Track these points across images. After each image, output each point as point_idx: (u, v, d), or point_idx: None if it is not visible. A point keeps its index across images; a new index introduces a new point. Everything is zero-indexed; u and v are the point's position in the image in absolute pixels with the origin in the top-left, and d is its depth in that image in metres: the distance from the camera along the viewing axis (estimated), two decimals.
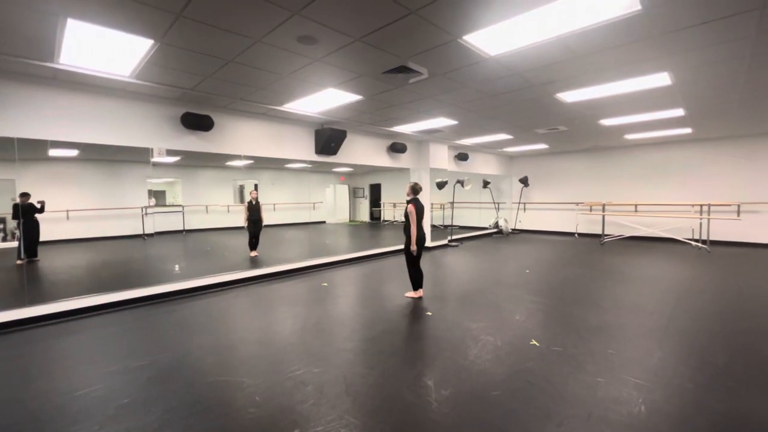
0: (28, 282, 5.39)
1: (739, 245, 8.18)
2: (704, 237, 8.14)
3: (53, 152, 8.49)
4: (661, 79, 4.11)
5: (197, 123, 4.82)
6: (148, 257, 8.05)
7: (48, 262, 7.08)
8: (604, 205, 9.64)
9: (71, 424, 2.12)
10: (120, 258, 7.62)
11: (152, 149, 4.65)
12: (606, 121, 6.42)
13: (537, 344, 3.13)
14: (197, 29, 2.85)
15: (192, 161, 11.11)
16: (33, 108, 3.78)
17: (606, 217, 9.56)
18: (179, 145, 4.82)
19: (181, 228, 11.96)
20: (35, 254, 6.80)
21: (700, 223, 8.27)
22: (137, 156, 8.87)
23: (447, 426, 2.07)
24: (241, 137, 5.51)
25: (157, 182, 12.27)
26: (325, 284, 5.42)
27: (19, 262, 6.42)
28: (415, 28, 2.87)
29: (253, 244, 7.57)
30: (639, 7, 2.58)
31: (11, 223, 7.74)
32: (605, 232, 9.55)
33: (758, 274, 5.63)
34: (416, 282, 4.59)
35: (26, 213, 6.05)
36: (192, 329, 3.65)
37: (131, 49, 3.20)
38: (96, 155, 9.59)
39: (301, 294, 4.96)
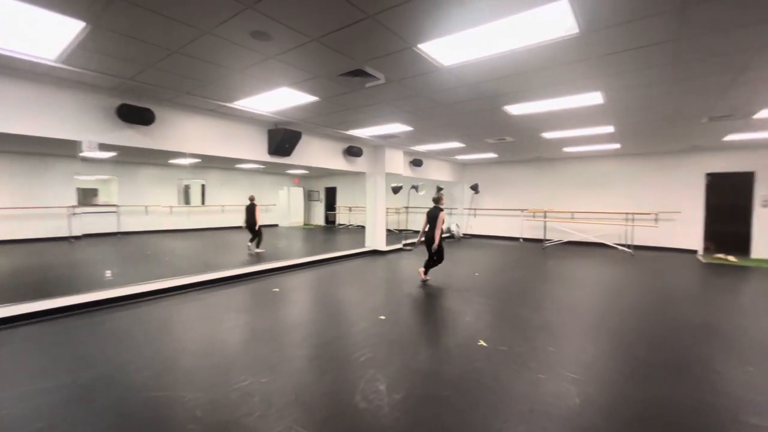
0: None
1: (657, 249, 9.18)
2: (629, 242, 9.04)
3: None
4: (595, 98, 4.51)
5: (136, 116, 4.44)
6: (75, 262, 7.24)
7: None
8: (545, 212, 10.35)
9: None
10: (41, 263, 6.78)
11: (81, 143, 4.19)
12: (547, 134, 6.91)
13: (485, 345, 3.26)
14: (138, 14, 2.63)
15: (130, 157, 10.21)
16: None
17: (547, 224, 10.28)
18: (114, 139, 4.40)
19: (116, 230, 10.93)
20: None
21: (626, 230, 9.18)
22: (64, 149, 8.02)
23: (398, 430, 2.07)
24: (187, 134, 5.16)
25: (87, 179, 11.13)
26: (277, 289, 5.23)
27: None
28: (372, 33, 2.89)
29: (255, 241, 8.13)
30: (577, 30, 2.81)
31: None
32: (547, 237, 10.25)
33: (672, 274, 6.35)
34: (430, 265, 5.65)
35: None
36: (124, 342, 3.33)
37: (59, 31, 2.87)
38: (13, 146, 8.48)
39: (250, 300, 4.74)
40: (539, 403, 2.34)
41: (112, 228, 10.86)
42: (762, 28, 2.74)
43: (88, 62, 3.50)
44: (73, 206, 9.94)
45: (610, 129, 6.35)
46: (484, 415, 2.21)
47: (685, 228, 8.92)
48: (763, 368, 2.83)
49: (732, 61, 3.34)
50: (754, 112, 5.10)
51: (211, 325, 3.76)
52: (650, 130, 6.49)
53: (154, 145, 4.81)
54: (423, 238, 5.65)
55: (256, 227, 8.02)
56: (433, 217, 5.44)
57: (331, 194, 16.68)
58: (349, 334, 3.53)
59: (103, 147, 4.41)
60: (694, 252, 8.77)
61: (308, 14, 2.63)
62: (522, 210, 11.25)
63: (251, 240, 8.08)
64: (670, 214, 9.04)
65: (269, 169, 13.73)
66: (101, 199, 11.50)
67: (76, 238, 9.86)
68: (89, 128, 4.20)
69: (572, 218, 10.24)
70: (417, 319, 3.94)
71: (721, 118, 5.48)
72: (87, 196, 11.21)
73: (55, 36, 2.96)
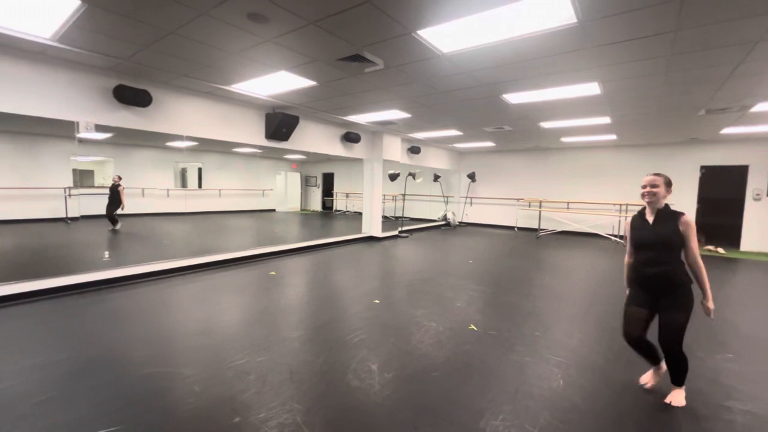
0: None
1: None
2: (621, 233, 9.16)
3: None
4: (592, 89, 4.52)
5: (133, 97, 4.41)
6: (72, 243, 7.28)
7: None
8: (540, 202, 10.43)
9: None
10: (38, 243, 6.81)
11: (78, 123, 4.18)
12: (545, 124, 6.92)
13: (475, 329, 3.36)
14: None
15: (126, 139, 10.12)
16: None
17: (542, 213, 10.37)
18: (111, 120, 4.38)
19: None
20: None
21: (619, 221, 9.29)
22: (60, 130, 7.95)
23: (388, 407, 2.17)
24: (184, 116, 5.14)
25: (84, 160, 11.05)
26: (273, 273, 5.31)
27: None
28: (371, 18, 2.87)
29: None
30: (575, 20, 2.81)
31: None
32: (541, 227, 10.35)
33: None
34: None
35: None
36: (123, 320, 3.40)
37: (54, 9, 2.84)
38: (9, 126, 8.39)
39: (247, 283, 4.81)
40: (524, 384, 2.44)
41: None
42: (761, 21, 2.75)
43: (84, 41, 3.47)
44: (70, 188, 9.90)
45: (606, 120, 6.36)
46: (470, 394, 2.31)
47: None
48: (743, 356, 2.94)
49: (731, 53, 3.35)
50: (752, 105, 5.13)
51: (208, 306, 3.84)
52: (646, 122, 6.51)
53: (151, 127, 4.79)
54: None
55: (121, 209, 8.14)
56: None
57: (328, 180, 16.65)
58: (343, 316, 3.62)
59: (100, 128, 4.40)
60: None
61: None
62: (518, 199, 11.32)
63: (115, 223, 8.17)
64: None
65: (267, 154, 13.67)
66: (97, 181, 11.44)
67: (73, 219, 9.85)
68: (85, 108, 4.18)
69: (567, 208, 10.33)
70: (410, 304, 4.03)
71: (718, 111, 5.50)
72: (83, 178, 11.15)
73: (50, 14, 2.94)
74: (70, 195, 9.90)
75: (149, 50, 3.68)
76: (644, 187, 2.22)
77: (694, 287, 2.18)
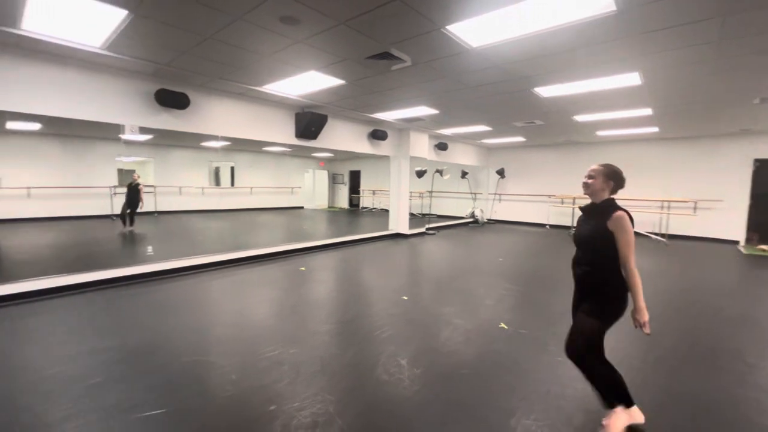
0: None
1: (694, 239, 8.76)
2: (664, 231, 8.67)
3: (12, 125, 7.97)
4: (632, 79, 4.30)
5: (172, 100, 4.65)
6: (118, 238, 7.77)
7: (8, 241, 6.73)
8: (574, 199, 10.05)
9: (42, 403, 2.10)
10: (87, 238, 7.34)
11: (124, 126, 4.46)
12: (580, 117, 6.66)
13: (505, 327, 3.31)
14: (174, 2, 2.75)
15: (164, 140, 10.67)
16: None
17: (575, 210, 9.99)
18: (153, 123, 4.64)
19: (153, 209, 11.55)
20: None
21: (660, 218, 8.79)
22: (105, 132, 8.49)
23: (417, 402, 2.19)
24: (219, 117, 5.36)
25: (127, 161, 11.74)
26: (303, 269, 5.45)
27: None
28: (400, 15, 2.88)
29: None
30: (614, 8, 2.69)
31: None
32: (574, 224, 9.97)
33: (709, 266, 6.09)
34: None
35: None
36: (165, 311, 3.61)
37: (103, 19, 3.04)
38: (60, 130, 9.07)
39: (278, 278, 4.97)
40: (556, 385, 2.38)
41: (149, 207, 11.47)
42: None
43: (130, 49, 3.69)
44: (115, 186, 10.56)
45: (648, 112, 6.04)
46: (500, 392, 2.28)
47: (726, 217, 8.43)
48: None
49: None
50: None
51: (242, 300, 4.00)
52: (693, 113, 6.12)
53: (189, 128, 5.03)
54: None
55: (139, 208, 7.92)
56: None
57: (355, 177, 16.81)
58: (371, 312, 3.67)
59: (143, 130, 4.67)
60: (736, 243, 8.31)
61: None
62: (549, 196, 10.96)
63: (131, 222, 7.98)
64: (711, 202, 8.56)
65: (295, 152, 13.98)
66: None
67: (117, 216, 10.51)
68: (131, 112, 4.45)
69: None
70: (438, 301, 4.02)
71: None
72: (127, 177, 11.85)
73: (100, 24, 3.14)
74: (115, 193, 10.58)
75: (188, 55, 3.86)
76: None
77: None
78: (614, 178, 1.92)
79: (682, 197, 8.75)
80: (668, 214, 8.61)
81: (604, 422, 1.93)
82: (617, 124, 7.22)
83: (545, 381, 2.43)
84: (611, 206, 1.87)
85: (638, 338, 3.12)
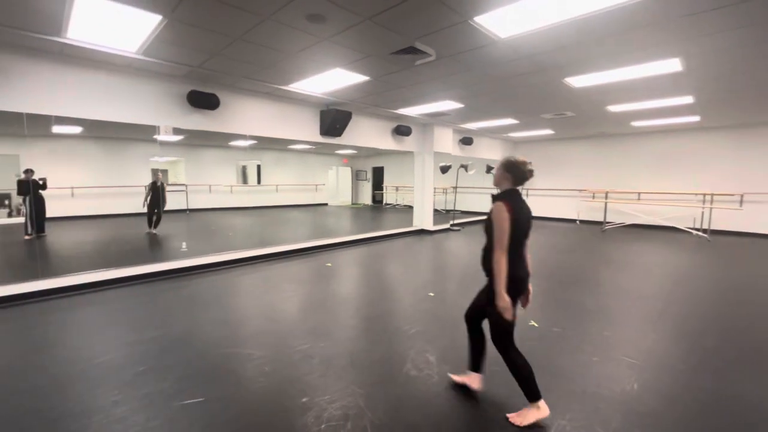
0: (38, 256, 5.50)
1: (739, 235, 8.23)
2: (705, 226, 8.19)
3: (57, 129, 8.50)
4: (672, 65, 4.07)
5: (203, 101, 4.81)
6: (153, 235, 8.14)
7: (55, 237, 7.20)
8: (607, 193, 9.65)
9: (92, 389, 2.24)
10: (126, 235, 7.74)
11: (159, 127, 4.66)
12: (614, 108, 6.37)
13: (536, 325, 3.23)
14: (207, 5, 2.83)
15: (194, 140, 11.06)
16: (40, 83, 3.77)
17: (608, 205, 9.59)
18: (186, 123, 4.82)
19: (185, 207, 12.02)
20: (42, 229, 6.91)
21: (702, 212, 8.30)
22: (141, 134, 8.89)
23: (447, 397, 2.18)
24: (247, 116, 5.50)
25: (160, 161, 12.27)
26: (329, 264, 5.52)
27: (27, 237, 6.53)
28: (427, 8, 2.84)
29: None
30: None
31: (16, 200, 7.82)
32: (607, 220, 9.59)
33: (756, 263, 5.70)
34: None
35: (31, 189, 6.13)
36: (201, 304, 3.76)
37: (139, 25, 3.18)
38: (100, 132, 9.57)
39: (306, 273, 5.06)
40: (592, 385, 2.31)
41: (181, 205, 11.96)
42: None
43: (164, 53, 3.84)
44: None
45: (689, 99, 5.70)
46: None
47: None
48: None
49: None
50: None
51: (272, 294, 4.11)
52: (740, 100, 5.72)
53: (219, 128, 5.19)
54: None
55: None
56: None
57: (378, 174, 16.83)
58: (398, 308, 3.67)
59: (176, 131, 4.85)
60: None
61: None
62: (580, 190, 10.58)
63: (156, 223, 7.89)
64: (759, 195, 8.00)
65: (319, 150, 14.15)
66: (170, 179, 12.65)
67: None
68: (165, 114, 4.64)
69: (638, 199, 9.45)
70: (465, 297, 3.96)
71: None
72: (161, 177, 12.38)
73: (136, 30, 3.28)
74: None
75: (218, 56, 3.97)
76: None
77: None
78: (511, 170, 2.04)
79: (726, 190, 8.23)
80: (710, 207, 8.11)
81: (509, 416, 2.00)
82: (655, 113, 6.86)
83: (580, 381, 2.36)
84: (498, 196, 2.02)
85: (679, 339, 2.98)
